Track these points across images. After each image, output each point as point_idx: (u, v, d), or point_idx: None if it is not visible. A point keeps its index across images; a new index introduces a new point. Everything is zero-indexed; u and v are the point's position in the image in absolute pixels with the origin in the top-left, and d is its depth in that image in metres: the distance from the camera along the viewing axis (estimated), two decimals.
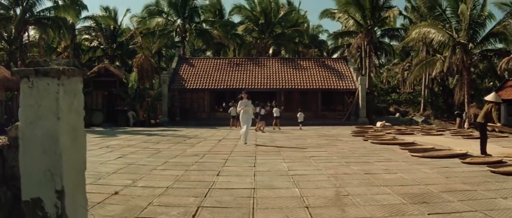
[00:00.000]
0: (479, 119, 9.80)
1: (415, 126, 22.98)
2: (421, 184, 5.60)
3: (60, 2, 24.88)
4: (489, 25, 23.06)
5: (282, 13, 33.42)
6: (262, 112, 18.47)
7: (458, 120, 22.24)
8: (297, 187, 5.29)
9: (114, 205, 4.28)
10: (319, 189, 5.17)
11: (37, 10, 23.59)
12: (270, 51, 36.73)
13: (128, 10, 44.39)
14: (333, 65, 28.67)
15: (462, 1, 22.31)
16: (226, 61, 29.29)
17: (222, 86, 26.23)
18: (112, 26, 31.31)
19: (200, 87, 26.25)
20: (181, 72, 27.30)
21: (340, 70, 27.98)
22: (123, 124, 22.01)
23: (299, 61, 29.66)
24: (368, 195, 4.84)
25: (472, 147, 10.53)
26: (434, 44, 23.06)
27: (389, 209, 4.20)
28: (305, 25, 40.02)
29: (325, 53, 41.66)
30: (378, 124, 22.13)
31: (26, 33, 24.28)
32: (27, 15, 23.14)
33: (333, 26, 67.14)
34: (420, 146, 10.95)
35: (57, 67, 2.57)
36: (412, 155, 8.93)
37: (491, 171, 6.78)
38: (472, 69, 32.70)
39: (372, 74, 45.09)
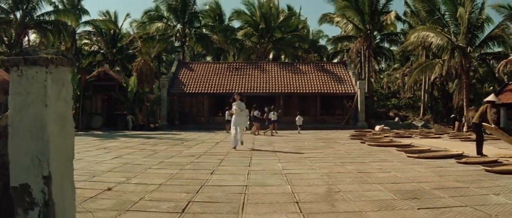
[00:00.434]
0: (474, 120, 9.83)
1: (414, 130, 22.97)
2: (413, 182, 5.62)
3: (60, 6, 25.09)
4: (488, 29, 23.21)
5: (281, 18, 33.60)
6: (258, 115, 18.50)
7: (457, 123, 22.25)
8: (289, 184, 5.32)
9: (106, 200, 4.32)
10: (311, 186, 5.19)
11: (37, 14, 23.86)
12: (270, 56, 36.87)
13: (127, 14, 44.66)
14: (332, 70, 28.76)
15: (460, 4, 22.42)
16: (226, 66, 29.41)
17: (221, 91, 26.30)
18: (112, 31, 31.51)
19: (200, 91, 26.33)
20: (181, 76, 27.40)
21: (339, 74, 28.06)
22: (123, 128, 22.04)
23: (298, 66, 29.77)
24: (359, 192, 4.86)
25: (469, 148, 10.54)
26: (433, 48, 23.14)
27: (379, 204, 4.22)
28: (305, 30, 40.23)
29: (325, 59, 41.79)
30: (377, 128, 22.13)
31: (27, 37, 24.47)
32: (27, 19, 23.32)
33: (333, 32, 67.58)
34: (417, 147, 10.96)
35: (45, 56, 2.62)
36: (408, 156, 8.95)
37: (486, 170, 6.79)
38: (472, 73, 32.80)
39: (372, 79, 45.29)
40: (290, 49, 35.54)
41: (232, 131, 10.61)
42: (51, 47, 24.98)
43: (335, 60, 37.57)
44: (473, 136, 14.77)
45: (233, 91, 26.09)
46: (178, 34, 33.24)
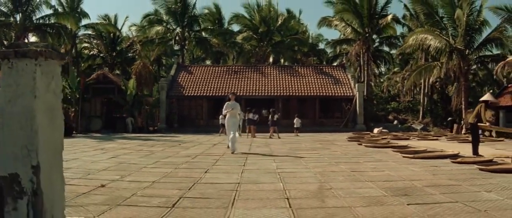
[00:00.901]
0: (470, 120, 9.86)
1: (413, 133, 22.99)
2: (406, 180, 5.64)
3: (60, 10, 25.23)
4: (486, 31, 23.27)
5: (280, 21, 33.77)
6: (256, 117, 18.54)
7: (455, 125, 22.27)
8: (281, 182, 5.35)
9: (98, 195, 4.36)
10: (303, 184, 5.23)
11: (37, 17, 23.99)
12: (271, 60, 36.99)
13: (127, 17, 44.78)
14: (331, 73, 28.85)
15: (458, 7, 22.51)
16: (225, 69, 29.50)
17: (220, 94, 26.34)
18: (112, 34, 31.64)
19: (199, 94, 26.40)
20: (180, 79, 27.49)
21: (338, 77, 28.13)
22: (122, 130, 22.10)
23: (297, 69, 29.86)
24: (350, 189, 4.89)
25: (466, 149, 10.53)
26: (431, 50, 23.19)
27: (368, 200, 4.25)
28: (306, 34, 40.39)
29: (324, 62, 41.91)
30: (375, 130, 22.17)
31: (26, 40, 24.62)
32: (27, 22, 23.46)
33: (333, 35, 67.70)
34: (413, 148, 10.98)
35: (34, 48, 2.69)
36: (403, 156, 8.97)
37: (480, 169, 6.82)
38: (472, 77, 32.84)
39: (372, 83, 45.35)
40: (289, 52, 35.66)
41: (230, 134, 9.75)
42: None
43: (335, 64, 37.70)
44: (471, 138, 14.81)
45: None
46: (177, 38, 33.37)
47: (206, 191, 4.65)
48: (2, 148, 2.63)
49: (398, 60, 41.93)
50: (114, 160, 7.88)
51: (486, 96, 9.68)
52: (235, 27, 36.43)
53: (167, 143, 13.11)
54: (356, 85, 26.04)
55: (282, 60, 38.67)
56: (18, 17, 23.32)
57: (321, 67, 31.01)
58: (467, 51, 22.76)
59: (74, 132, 19.55)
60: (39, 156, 2.60)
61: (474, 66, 28.15)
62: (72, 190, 4.65)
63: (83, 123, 21.88)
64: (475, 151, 9.24)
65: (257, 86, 27.13)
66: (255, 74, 28.33)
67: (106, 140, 15.18)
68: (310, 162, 7.80)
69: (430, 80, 30.81)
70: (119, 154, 9.18)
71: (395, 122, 30.27)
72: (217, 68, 29.84)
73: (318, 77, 28.12)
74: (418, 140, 16.11)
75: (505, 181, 5.62)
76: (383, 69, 48.50)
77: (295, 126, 20.15)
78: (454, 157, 8.62)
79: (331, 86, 27.20)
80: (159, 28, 32.91)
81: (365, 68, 30.46)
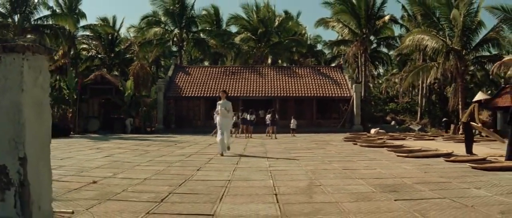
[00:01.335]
0: (463, 119, 9.91)
1: (410, 133, 23.04)
2: (397, 177, 5.68)
3: (58, 11, 25.27)
4: (483, 31, 23.34)
5: (277, 22, 33.87)
6: (253, 118, 18.57)
7: (452, 126, 22.33)
8: (272, 179, 5.39)
9: (89, 191, 4.40)
10: (293, 181, 5.26)
11: (35, 18, 24.03)
12: (269, 61, 37.05)
13: (124, 18, 44.81)
14: (328, 74, 28.92)
15: (455, 7, 22.58)
16: (222, 70, 29.57)
17: (218, 95, 26.36)
18: (110, 35, 31.69)
19: (196, 95, 26.44)
20: (177, 80, 27.54)
21: (335, 78, 28.20)
22: (119, 131, 22.12)
23: (294, 70, 29.93)
24: (340, 186, 4.93)
25: (461, 149, 10.55)
26: (428, 51, 23.26)
27: (356, 196, 4.29)
28: (305, 36, 40.46)
29: (322, 63, 42.01)
30: (373, 131, 22.21)
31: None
32: (25, 23, 23.49)
33: (332, 36, 67.91)
34: (408, 148, 11.03)
35: (22, 43, 2.73)
36: (397, 155, 9.01)
37: (472, 167, 6.85)
38: (470, 77, 32.93)
39: (370, 84, 45.44)
40: (286, 53, 35.74)
41: (219, 135, 9.01)
42: None
43: (333, 65, 37.79)
44: None
45: (229, 95, 26.22)
46: (175, 39, 33.43)
47: (196, 188, 4.69)
48: None
49: (396, 62, 42.04)
50: (108, 159, 7.92)
51: (478, 96, 9.72)
52: (233, 29, 36.58)
53: (163, 143, 13.14)
54: (353, 86, 26.10)
55: (280, 61, 38.75)
56: (16, 18, 23.36)
57: (318, 68, 31.09)
58: (464, 52, 22.83)
59: (71, 133, 19.57)
60: (26, 149, 2.65)
61: (472, 67, 28.21)
62: (64, 186, 4.69)
63: (80, 124, 21.90)
64: (469, 150, 9.28)
65: (255, 87, 27.19)
66: (252, 75, 28.39)
67: (102, 140, 15.21)
68: (303, 161, 7.84)
69: (428, 81, 30.89)
70: (114, 153, 9.21)
71: (393, 122, 30.35)
72: (214, 69, 29.91)
73: (315, 78, 28.18)
74: (414, 140, 16.15)
75: (496, 179, 5.66)
76: (381, 70, 48.66)
77: (291, 127, 20.20)
78: (447, 155, 8.66)
79: (329, 87, 27.27)
80: (157, 29, 32.96)
81: (363, 69, 30.54)
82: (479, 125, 9.21)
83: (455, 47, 22.38)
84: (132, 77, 24.13)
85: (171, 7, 32.01)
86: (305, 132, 21.58)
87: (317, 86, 27.25)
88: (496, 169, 6.61)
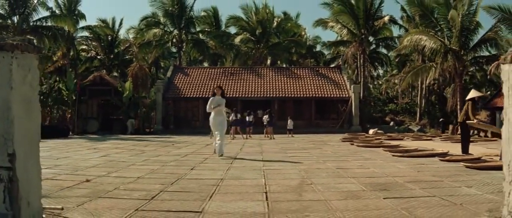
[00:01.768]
0: (459, 119, 9.93)
1: (408, 133, 23.07)
2: (389, 176, 5.71)
3: (57, 12, 25.35)
4: (481, 32, 23.37)
5: (275, 23, 33.95)
6: (251, 118, 18.60)
7: (451, 126, 22.35)
8: (264, 178, 5.43)
9: (82, 189, 4.44)
10: (285, 180, 5.29)
11: (34, 19, 24.08)
12: (268, 62, 37.12)
13: (122, 19, 44.62)
14: (327, 74, 28.97)
15: (453, 7, 22.63)
16: (221, 71, 29.64)
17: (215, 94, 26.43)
18: (109, 36, 31.78)
19: (195, 96, 26.48)
20: (176, 81, 27.60)
21: (334, 79, 28.25)
22: (118, 132, 22.16)
23: (293, 70, 30.00)
24: (331, 184, 4.96)
25: (457, 149, 10.57)
26: (426, 51, 23.31)
27: (346, 194, 4.32)
28: (304, 37, 40.51)
29: (322, 64, 42.07)
30: (371, 131, 22.25)
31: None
32: (24, 24, 23.56)
33: (331, 37, 67.96)
34: (404, 148, 11.05)
35: (11, 42, 2.78)
36: (393, 155, 9.03)
37: (466, 166, 6.86)
38: (469, 78, 32.94)
39: (370, 85, 45.43)
40: (285, 54, 35.80)
41: (217, 136, 8.38)
42: (48, 51, 25.25)
43: (332, 66, 37.84)
44: None
45: (228, 95, 26.28)
46: (174, 40, 33.50)
47: (187, 186, 4.73)
48: None
49: (395, 62, 42.11)
50: (104, 158, 7.96)
51: (471, 94, 9.72)
52: (232, 30, 36.66)
53: (160, 143, 13.18)
54: (352, 86, 26.14)
55: (279, 62, 38.81)
56: (15, 19, 23.43)
57: (317, 68, 31.15)
58: (462, 52, 22.87)
59: (70, 133, 19.62)
60: (14, 145, 2.70)
61: (472, 68, 28.22)
62: (57, 184, 4.73)
63: (79, 125, 21.96)
64: (465, 150, 9.29)
65: (253, 87, 27.24)
66: (251, 76, 28.44)
67: (100, 140, 15.25)
68: (298, 160, 7.88)
69: (427, 82, 30.92)
70: (110, 153, 9.26)
71: (392, 123, 30.37)
72: (213, 70, 29.97)
73: (314, 78, 28.23)
74: (412, 140, 16.18)
75: (489, 177, 5.67)
76: (381, 71, 48.75)
77: (288, 127, 20.23)
78: (442, 155, 8.68)
79: (327, 87, 27.31)
80: (156, 30, 33.03)
81: (362, 70, 30.58)
82: (475, 120, 9.21)
83: (453, 47, 22.43)
84: (131, 78, 24.20)
85: (171, 8, 32.10)
86: (304, 133, 21.61)
87: (315, 87, 27.30)
88: (490, 168, 6.63)
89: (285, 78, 28.18)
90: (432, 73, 24.61)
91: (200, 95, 26.48)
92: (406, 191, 4.62)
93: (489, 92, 33.88)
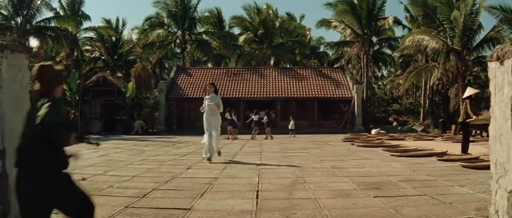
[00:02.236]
0: (459, 119, 9.88)
1: (411, 134, 22.97)
2: (383, 175, 5.73)
3: (61, 13, 25.58)
4: (483, 32, 23.23)
5: (277, 24, 33.98)
6: (256, 118, 18.61)
7: (453, 126, 22.21)
8: (258, 177, 5.47)
9: None
10: (279, 179, 5.34)
11: (38, 20, 24.31)
12: (271, 62, 37.14)
13: (123, 20, 44.68)
14: (330, 75, 28.93)
15: (456, 8, 22.51)
16: (224, 71, 29.72)
17: (219, 96, 26.51)
18: (113, 37, 31.98)
19: (198, 96, 26.50)
20: (179, 81, 27.72)
21: (337, 79, 28.21)
22: (121, 132, 22.28)
23: (296, 71, 30.00)
24: (324, 183, 5.00)
25: (457, 149, 10.54)
26: (428, 51, 23.20)
27: (336, 193, 4.35)
28: (308, 37, 40.47)
29: (326, 64, 41.99)
30: (373, 131, 22.20)
31: (27, 43, 24.93)
32: (28, 25, 23.76)
33: (335, 38, 67.84)
34: (404, 147, 11.04)
35: (1, 42, 2.86)
36: (391, 155, 9.03)
37: (462, 166, 6.86)
38: (472, 78, 32.67)
39: (375, 86, 45.23)
40: (289, 55, 35.79)
41: (205, 137, 7.65)
42: (51, 52, 25.47)
43: (336, 66, 37.77)
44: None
45: (231, 96, 26.41)
46: (178, 41, 33.64)
47: (181, 184, 4.79)
48: None
49: (399, 63, 41.94)
50: (103, 158, 8.05)
51: (468, 92, 9.65)
52: (236, 30, 36.74)
53: (161, 144, 13.27)
54: (355, 87, 26.09)
55: (282, 63, 38.81)
56: (18, 20, 23.65)
57: (320, 69, 31.12)
58: (464, 52, 22.74)
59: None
60: (4, 141, 2.78)
61: (476, 68, 27.98)
62: None
63: (83, 125, 22.13)
64: (464, 149, 9.24)
65: (256, 88, 27.29)
66: (254, 76, 28.49)
67: (102, 140, 15.35)
68: (296, 160, 7.91)
69: (431, 82, 30.76)
70: (110, 153, 9.35)
71: (395, 123, 30.25)
72: (216, 71, 30.06)
73: (317, 79, 28.21)
74: (413, 140, 16.11)
75: (484, 177, 5.64)
76: (385, 72, 48.55)
77: (290, 128, 20.24)
78: (441, 155, 8.67)
79: (330, 88, 27.27)
80: (160, 31, 33.18)
81: (365, 70, 30.51)
82: (474, 117, 9.15)
83: (456, 47, 22.31)
84: (134, 79, 24.34)
85: (174, 9, 32.24)
86: (307, 133, 21.60)
87: (318, 87, 27.28)
88: (486, 168, 6.57)
89: (288, 79, 28.19)
90: (435, 74, 24.48)
91: (203, 96, 26.47)
92: (398, 190, 4.65)
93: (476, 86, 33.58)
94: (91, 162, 7.15)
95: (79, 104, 21.68)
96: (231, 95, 26.27)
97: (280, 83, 27.70)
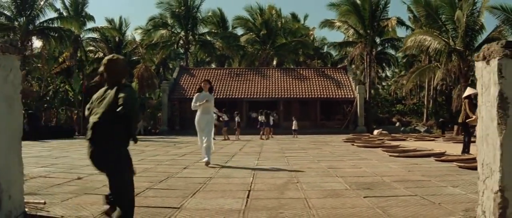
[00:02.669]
0: (459, 120, 9.84)
1: (414, 134, 22.90)
2: (377, 176, 5.75)
3: (64, 13, 25.82)
4: (486, 32, 23.13)
5: (279, 24, 34.03)
6: (262, 119, 18.62)
7: (456, 127, 22.12)
8: (252, 177, 5.51)
9: (71, 186, 4.60)
10: (272, 179, 5.38)
11: (41, 20, 24.54)
12: (274, 63, 37.18)
13: (125, 20, 44.86)
14: (332, 75, 28.94)
15: (459, 8, 22.43)
16: (227, 71, 29.84)
17: (222, 96, 26.65)
18: (117, 38, 32.20)
19: None
20: (182, 82, 27.87)
21: (339, 80, 28.21)
22: None
23: (299, 71, 30.03)
24: (317, 183, 5.03)
25: (457, 149, 10.51)
26: (430, 51, 23.14)
27: (327, 193, 4.39)
28: (312, 37, 40.45)
29: (329, 65, 41.95)
30: (375, 132, 22.18)
31: (30, 44, 25.21)
32: (31, 26, 23.98)
33: (339, 38, 67.64)
34: (403, 148, 11.03)
35: None
36: (390, 155, 9.03)
37: (459, 166, 6.84)
38: (474, 79, 32.44)
39: (379, 86, 45.08)
40: (292, 55, 35.81)
41: (199, 139, 7.13)
42: (53, 53, 25.69)
43: (339, 66, 37.71)
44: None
45: (234, 96, 26.51)
46: (181, 41, 33.81)
47: (175, 184, 4.85)
48: None
49: (402, 63, 41.81)
50: None
51: (467, 91, 9.60)
52: (239, 31, 36.84)
53: (162, 144, 13.37)
54: (357, 87, 26.07)
55: (285, 63, 38.84)
56: (21, 21, 23.87)
57: (322, 69, 31.14)
58: (466, 52, 22.65)
59: (76, 134, 19.97)
60: None
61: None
62: (49, 181, 4.90)
63: (86, 126, 22.27)
64: (464, 150, 9.19)
65: (259, 88, 27.36)
66: (257, 77, 28.57)
67: None
68: (293, 160, 7.94)
69: (435, 82, 30.63)
70: None
71: (398, 124, 30.18)
72: (219, 71, 30.19)
73: (319, 79, 28.23)
74: (415, 140, 16.09)
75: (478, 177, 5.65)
76: (389, 72, 48.39)
77: (293, 128, 20.28)
78: (439, 155, 8.66)
79: (333, 88, 27.28)
80: (163, 31, 33.36)
81: (368, 71, 30.46)
82: (474, 116, 9.11)
83: (458, 47, 22.24)
84: (137, 79, 24.50)
85: (177, 10, 32.40)
86: (309, 133, 21.63)
87: (321, 88, 27.30)
88: None
89: (291, 79, 28.23)
90: (438, 74, 24.40)
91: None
92: (390, 190, 4.66)
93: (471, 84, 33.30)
94: (89, 162, 7.19)
95: (82, 104, 21.86)
96: (234, 96, 26.39)
97: (282, 84, 27.77)
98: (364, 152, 10.26)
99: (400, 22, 31.35)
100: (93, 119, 2.80)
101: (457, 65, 22.72)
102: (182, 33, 33.63)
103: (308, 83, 27.82)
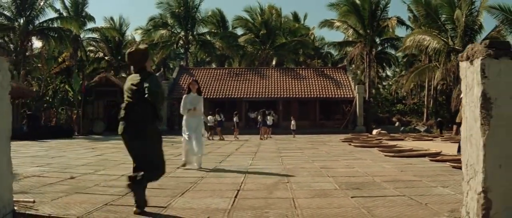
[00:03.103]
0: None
1: (413, 134, 22.88)
2: (369, 176, 5.78)
3: (64, 14, 25.89)
4: (485, 32, 23.12)
5: (279, 24, 34.06)
6: (268, 119, 18.62)
7: (454, 127, 22.10)
8: (244, 177, 5.56)
9: (63, 186, 4.65)
10: (264, 178, 5.42)
11: (41, 20, 24.60)
12: (274, 62, 37.22)
13: (125, 21, 44.96)
14: (331, 75, 28.94)
15: (458, 7, 22.43)
16: (226, 71, 29.88)
17: (221, 96, 26.72)
18: (117, 38, 32.28)
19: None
20: (182, 82, 27.92)
21: (338, 79, 28.22)
22: None
23: (298, 71, 30.05)
24: (307, 183, 5.07)
25: (453, 149, 10.51)
26: (429, 51, 23.14)
27: (315, 192, 4.42)
28: (312, 37, 40.47)
29: (329, 65, 41.94)
30: (374, 132, 22.18)
31: (30, 44, 25.29)
32: (30, 26, 24.03)
33: (339, 38, 67.63)
34: (400, 148, 11.05)
35: None
36: (385, 155, 9.06)
37: (453, 166, 6.85)
38: None
39: (379, 85, 45.04)
40: (292, 55, 35.83)
41: (184, 140, 6.83)
42: (53, 53, 25.76)
43: (339, 66, 37.69)
44: None
45: (233, 96, 26.55)
46: (181, 41, 33.88)
47: (166, 183, 4.89)
48: None
49: (403, 63, 41.79)
50: (98, 157, 8.20)
51: None
52: (239, 31, 36.89)
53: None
54: (356, 87, 26.07)
55: (285, 63, 38.88)
56: (21, 21, 23.93)
57: (322, 69, 31.15)
58: None
59: (75, 134, 20.05)
60: None
61: None
62: (42, 181, 4.96)
63: (85, 125, 22.35)
64: (460, 150, 9.20)
65: (258, 88, 27.39)
66: (256, 77, 28.60)
67: (103, 140, 15.58)
68: (288, 160, 7.98)
69: (435, 82, 30.60)
70: (106, 153, 9.51)
71: (397, 123, 30.15)
72: (218, 71, 30.23)
73: (318, 79, 28.24)
74: (413, 140, 16.11)
75: None
76: (390, 72, 48.37)
77: (292, 128, 20.31)
78: (434, 155, 8.68)
79: (332, 88, 27.29)
80: (163, 31, 33.44)
81: (368, 70, 30.44)
82: None
83: (457, 47, 22.23)
84: None
85: (177, 10, 32.46)
86: (308, 133, 21.65)
87: (320, 88, 27.31)
88: None
89: (290, 79, 28.26)
90: (437, 74, 24.40)
91: (205, 96, 26.64)
92: (378, 190, 4.69)
93: None
94: (84, 161, 7.31)
95: (82, 104, 21.94)
96: (233, 96, 26.43)
97: (282, 84, 27.79)
98: (360, 152, 10.29)
99: (400, 22, 31.31)
100: (126, 100, 3.37)
101: (456, 65, 22.70)
102: (182, 33, 33.69)
103: (307, 83, 27.83)
